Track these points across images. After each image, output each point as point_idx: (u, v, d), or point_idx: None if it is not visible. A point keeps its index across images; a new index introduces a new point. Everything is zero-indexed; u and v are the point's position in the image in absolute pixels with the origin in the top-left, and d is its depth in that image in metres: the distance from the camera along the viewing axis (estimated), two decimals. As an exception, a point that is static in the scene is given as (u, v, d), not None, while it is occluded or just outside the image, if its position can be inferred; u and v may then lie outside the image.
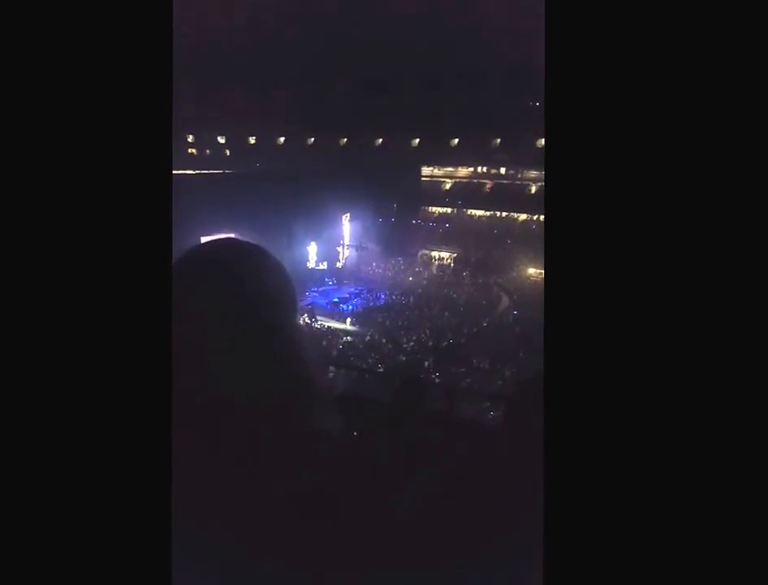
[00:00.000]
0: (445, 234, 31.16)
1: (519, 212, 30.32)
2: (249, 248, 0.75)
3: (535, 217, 28.85)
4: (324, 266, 27.66)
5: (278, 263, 0.75)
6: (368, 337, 18.41)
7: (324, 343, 17.20)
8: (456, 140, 33.14)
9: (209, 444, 0.63)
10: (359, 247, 29.96)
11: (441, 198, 34.04)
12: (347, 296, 24.41)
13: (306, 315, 20.33)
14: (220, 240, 0.77)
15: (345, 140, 34.76)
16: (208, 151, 33.93)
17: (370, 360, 15.48)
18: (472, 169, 33.95)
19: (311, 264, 27.26)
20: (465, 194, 33.19)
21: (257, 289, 0.70)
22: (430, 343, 17.55)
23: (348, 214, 29.70)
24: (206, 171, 30.69)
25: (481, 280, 25.80)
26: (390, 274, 27.94)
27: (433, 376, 13.73)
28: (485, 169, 33.46)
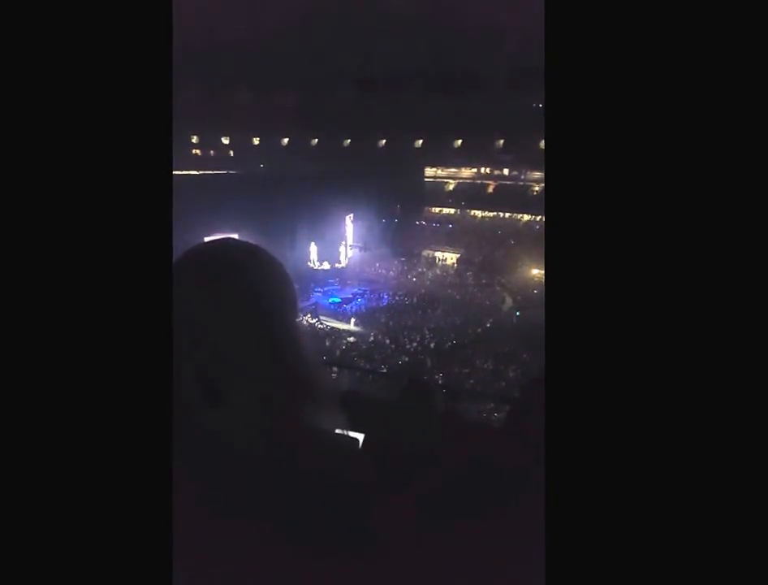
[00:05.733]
0: (448, 235, 31.13)
1: (523, 213, 30.27)
2: (248, 247, 0.75)
3: (538, 218, 28.78)
4: (327, 266, 27.70)
5: (278, 263, 0.75)
6: (371, 338, 18.39)
7: (327, 343, 17.20)
8: (460, 142, 33.10)
9: (208, 443, 0.63)
10: (362, 247, 29.97)
11: (444, 199, 34.03)
12: (351, 296, 24.39)
13: (309, 315, 20.34)
14: (218, 240, 0.77)
15: (348, 141, 34.77)
16: (212, 152, 33.99)
17: (374, 360, 15.47)
18: (475, 170, 33.91)
19: (314, 265, 27.31)
20: (469, 195, 33.17)
21: (255, 288, 0.71)
22: (434, 344, 17.52)
23: (352, 215, 29.73)
24: (210, 172, 30.77)
25: (484, 281, 25.76)
26: (393, 274, 27.91)
27: (436, 377, 13.70)
28: (488, 170, 33.43)
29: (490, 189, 33.21)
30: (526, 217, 30.19)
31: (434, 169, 34.89)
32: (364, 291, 25.16)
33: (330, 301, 23.59)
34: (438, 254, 29.95)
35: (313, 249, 27.54)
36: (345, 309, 22.81)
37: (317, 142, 34.80)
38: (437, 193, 34.32)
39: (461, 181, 34.37)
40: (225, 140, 34.41)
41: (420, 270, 28.71)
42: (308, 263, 26.99)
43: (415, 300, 23.47)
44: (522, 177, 31.83)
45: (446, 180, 34.77)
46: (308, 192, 25.86)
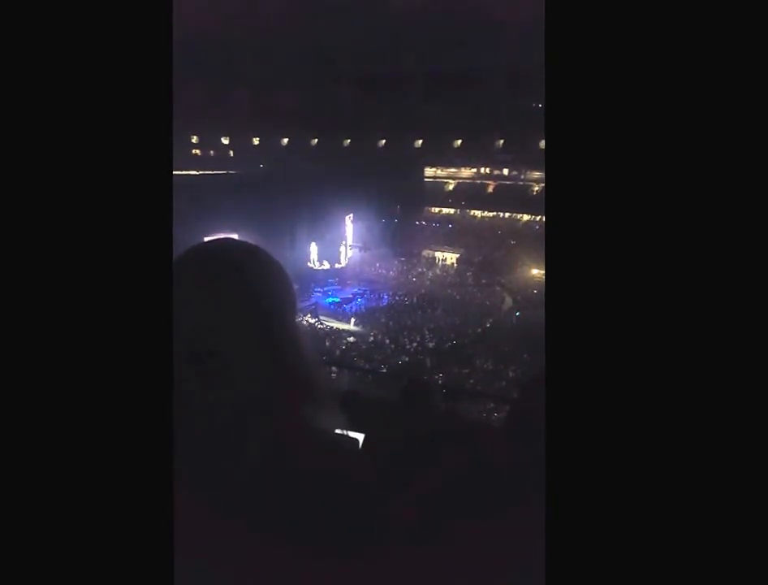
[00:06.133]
0: (448, 235, 31.12)
1: (522, 213, 30.28)
2: (247, 247, 0.75)
3: (538, 218, 28.79)
4: (327, 266, 27.71)
5: (277, 263, 0.75)
6: (371, 338, 18.38)
7: (327, 343, 17.20)
8: (459, 142, 33.10)
9: (208, 442, 0.63)
10: (362, 247, 29.98)
11: (444, 199, 34.02)
12: (351, 296, 24.38)
13: (309, 315, 20.34)
14: (218, 240, 0.77)
15: (348, 141, 34.77)
16: (212, 152, 34.01)
17: (374, 360, 15.46)
18: (475, 170, 33.91)
19: (314, 265, 27.32)
20: (468, 195, 33.16)
21: (255, 288, 0.71)
22: (433, 344, 17.51)
23: (352, 215, 29.73)
24: (210, 172, 30.78)
25: (484, 281, 25.75)
26: (393, 274, 27.91)
27: (436, 377, 13.70)
28: (488, 170, 33.42)
29: (490, 189, 33.21)
30: (526, 217, 30.17)
31: (434, 169, 34.88)
32: (364, 291, 25.14)
33: (328, 301, 23.59)
34: (438, 254, 29.94)
35: (313, 249, 27.55)
36: (345, 309, 22.79)
37: (317, 142, 34.80)
38: (437, 193, 34.31)
39: (461, 181, 34.37)
40: (225, 141, 34.42)
41: (419, 270, 28.70)
42: (308, 263, 26.99)
43: (415, 300, 23.46)
44: (522, 177, 31.82)
45: (445, 180, 34.76)
46: (307, 193, 25.86)
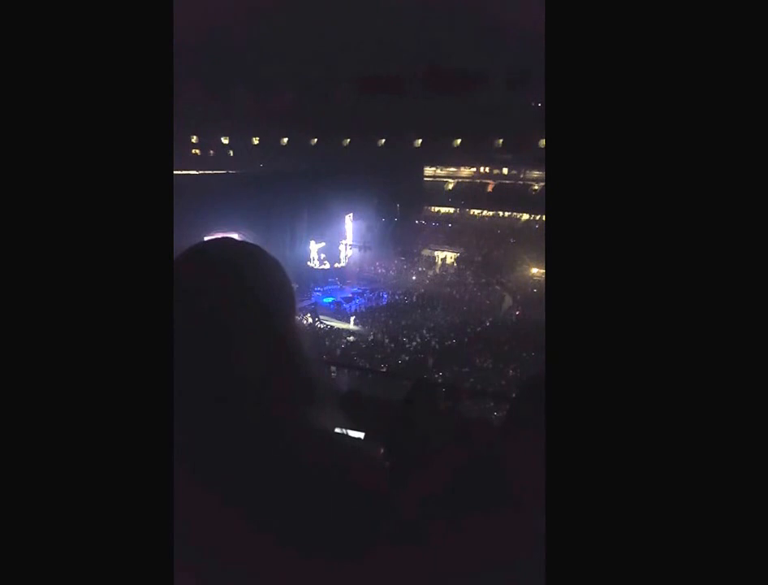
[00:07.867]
0: (448, 234, 31.13)
1: (522, 212, 30.28)
2: (247, 247, 0.76)
3: (537, 217, 28.81)
4: (327, 265, 27.70)
5: (277, 262, 0.76)
6: (371, 337, 18.38)
7: (327, 342, 17.19)
8: (459, 141, 33.08)
9: (208, 442, 0.64)
10: (362, 247, 29.99)
11: (444, 198, 34.01)
12: (350, 295, 24.38)
13: (309, 315, 20.34)
14: (218, 239, 0.77)
15: (348, 140, 34.75)
16: (212, 152, 33.98)
17: (373, 359, 15.46)
18: (474, 169, 33.89)
19: (313, 264, 27.31)
20: (468, 194, 33.15)
21: (254, 287, 0.71)
22: (433, 343, 17.51)
23: (351, 214, 29.73)
24: (210, 172, 30.76)
25: (483, 280, 25.75)
26: (393, 273, 27.93)
27: (436, 376, 13.70)
28: (487, 169, 33.40)
29: (489, 188, 33.19)
30: (525, 216, 30.18)
31: (434, 168, 34.87)
32: (364, 290, 25.14)
33: (327, 300, 23.59)
34: (438, 253, 29.94)
35: (313, 248, 27.57)
36: (344, 308, 22.78)
37: (317, 142, 34.76)
38: (437, 192, 34.29)
39: (460, 180, 34.36)
40: (225, 140, 34.39)
41: (419, 269, 28.70)
42: (308, 262, 26.99)
43: (414, 299, 23.47)
44: (521, 176, 31.81)
45: (445, 179, 34.75)
46: (307, 192, 25.86)
